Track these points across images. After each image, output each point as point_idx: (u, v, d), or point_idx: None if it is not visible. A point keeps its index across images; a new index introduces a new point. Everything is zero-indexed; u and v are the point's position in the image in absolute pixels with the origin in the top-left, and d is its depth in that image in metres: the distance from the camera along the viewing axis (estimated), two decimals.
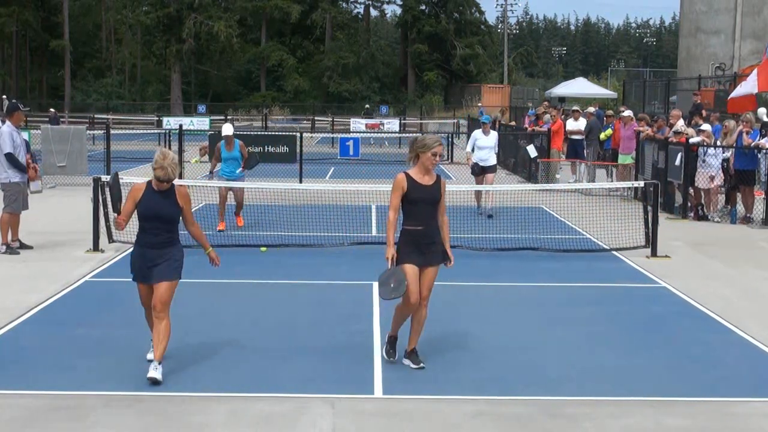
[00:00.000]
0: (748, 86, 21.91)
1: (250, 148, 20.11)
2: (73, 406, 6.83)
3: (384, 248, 7.81)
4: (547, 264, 12.82)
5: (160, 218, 7.42)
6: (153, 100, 74.08)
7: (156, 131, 38.06)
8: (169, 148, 23.78)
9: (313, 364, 7.94)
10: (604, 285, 11.58)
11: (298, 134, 25.44)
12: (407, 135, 38.31)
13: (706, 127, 18.38)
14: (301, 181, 22.01)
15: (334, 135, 35.47)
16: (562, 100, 51.35)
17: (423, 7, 79.20)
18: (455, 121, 50.19)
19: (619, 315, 10.00)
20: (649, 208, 13.52)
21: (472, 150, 17.60)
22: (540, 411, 6.87)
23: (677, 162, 17.63)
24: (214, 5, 74.29)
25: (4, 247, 13.02)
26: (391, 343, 8.02)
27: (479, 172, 17.48)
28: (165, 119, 44.90)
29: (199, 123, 44.83)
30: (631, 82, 46.35)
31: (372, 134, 39.49)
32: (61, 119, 44.47)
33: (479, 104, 58.36)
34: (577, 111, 24.76)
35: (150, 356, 7.73)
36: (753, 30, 39.87)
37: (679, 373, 7.89)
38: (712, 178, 17.19)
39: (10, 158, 12.96)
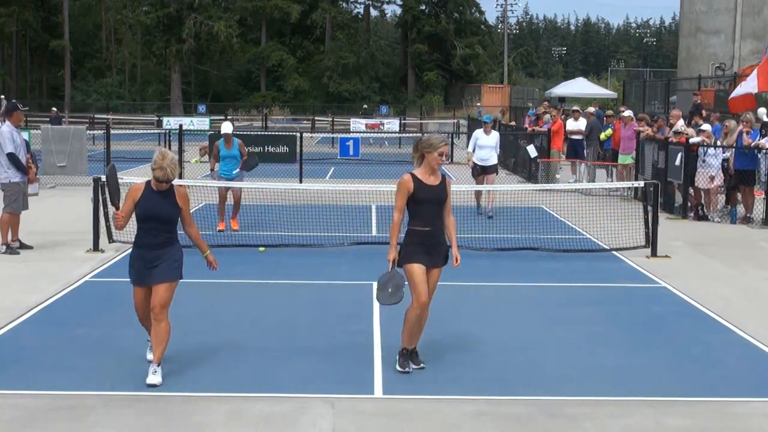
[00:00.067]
0: (748, 86, 21.92)
1: (250, 148, 20.15)
2: (73, 406, 6.83)
3: (385, 248, 7.81)
4: (547, 264, 12.82)
5: (159, 219, 7.36)
6: (153, 100, 74.09)
7: (156, 131, 38.06)
8: (169, 148, 23.79)
9: (313, 364, 7.94)
10: (604, 285, 11.58)
11: (298, 134, 25.43)
12: (407, 135, 38.36)
13: (706, 127, 18.39)
14: (301, 181, 22.01)
15: (334, 135, 35.47)
16: (562, 100, 51.34)
17: (423, 7, 79.19)
18: (455, 121, 50.18)
19: (619, 315, 10.00)
20: (649, 208, 13.52)
21: (473, 150, 17.58)
22: (540, 411, 6.87)
23: (677, 162, 17.64)
24: (214, 5, 74.29)
25: (4, 247, 13.02)
26: (404, 356, 7.72)
27: (479, 172, 17.46)
28: (165, 119, 44.90)
29: (199, 123, 44.83)
30: (631, 82, 46.35)
31: (371, 134, 39.49)
32: (62, 119, 44.44)
33: (478, 104, 58.35)
34: (577, 111, 24.75)
35: (150, 356, 7.73)
36: (753, 30, 39.87)
37: (679, 373, 7.89)
38: (712, 178, 17.19)
39: (12, 158, 12.96)
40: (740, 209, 17.42)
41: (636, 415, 6.82)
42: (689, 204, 17.64)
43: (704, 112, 23.01)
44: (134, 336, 8.44)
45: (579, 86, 60.63)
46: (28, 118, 40.55)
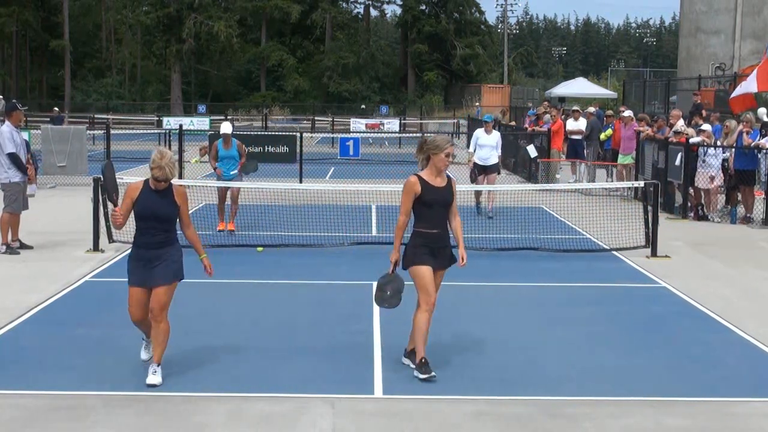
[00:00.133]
0: (748, 86, 21.94)
1: (250, 149, 20.11)
2: (73, 406, 6.83)
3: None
4: (547, 264, 12.82)
5: (158, 218, 7.31)
6: (153, 100, 74.06)
7: (156, 131, 38.06)
8: (169, 148, 23.78)
9: (313, 364, 7.94)
10: (604, 285, 11.58)
11: (298, 134, 25.42)
12: (407, 135, 38.36)
13: (706, 127, 18.39)
14: (301, 181, 22.01)
15: (334, 135, 35.46)
16: (562, 100, 51.33)
17: (423, 7, 79.15)
18: (455, 121, 50.18)
19: (619, 315, 10.01)
20: (649, 208, 13.52)
21: (474, 150, 17.55)
22: (540, 411, 6.87)
23: (677, 162, 17.64)
24: (214, 5, 74.27)
25: (4, 247, 13.02)
26: (422, 363, 7.49)
27: (479, 171, 17.43)
28: (165, 119, 44.87)
29: (199, 123, 44.80)
30: (631, 82, 46.35)
31: (371, 134, 39.49)
32: (64, 118, 44.42)
33: (477, 104, 58.31)
34: (577, 111, 24.75)
35: (143, 356, 7.73)
36: (753, 30, 39.87)
37: (679, 373, 7.89)
38: (712, 178, 17.19)
39: (14, 158, 12.96)
40: (740, 209, 17.42)
41: (636, 415, 6.82)
42: (689, 204, 17.64)
43: (704, 112, 23.02)
44: (134, 336, 8.43)
45: (579, 86, 60.63)
46: (28, 118, 40.54)
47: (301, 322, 9.46)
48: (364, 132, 39.29)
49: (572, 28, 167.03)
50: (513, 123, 33.59)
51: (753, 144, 17.26)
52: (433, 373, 7.46)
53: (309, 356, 8.19)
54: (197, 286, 10.61)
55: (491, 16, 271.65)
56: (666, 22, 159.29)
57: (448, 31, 76.74)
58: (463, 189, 16.62)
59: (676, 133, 18.37)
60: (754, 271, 12.57)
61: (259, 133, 35.24)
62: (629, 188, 19.90)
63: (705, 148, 17.36)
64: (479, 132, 17.75)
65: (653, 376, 7.78)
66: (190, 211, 7.74)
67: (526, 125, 27.94)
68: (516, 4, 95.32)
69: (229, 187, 15.17)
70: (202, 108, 62.03)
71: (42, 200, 18.33)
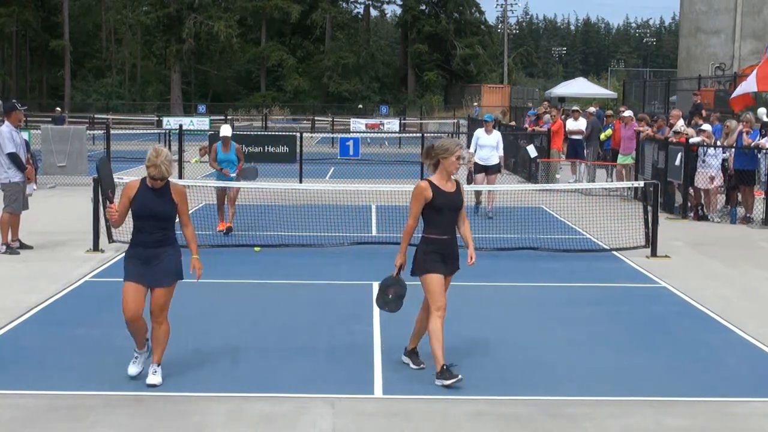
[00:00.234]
0: (748, 85, 21.95)
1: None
2: (73, 406, 6.83)
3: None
4: (547, 264, 12.82)
5: (156, 216, 7.23)
6: (153, 100, 74.08)
7: (156, 131, 38.08)
8: (169, 148, 23.77)
9: (313, 364, 7.94)
10: (604, 285, 11.58)
11: (298, 134, 25.42)
12: (407, 135, 38.35)
13: (706, 127, 18.39)
14: (301, 181, 22.01)
15: (334, 135, 35.46)
16: (562, 100, 51.32)
17: (423, 7, 79.14)
18: (455, 121, 50.17)
19: (619, 315, 10.01)
20: (649, 208, 13.52)
21: (475, 150, 17.53)
22: (540, 411, 6.87)
23: (677, 162, 17.64)
24: (214, 5, 74.27)
25: (4, 247, 13.02)
26: (444, 370, 7.31)
27: (479, 171, 17.41)
28: (165, 119, 44.90)
29: (199, 123, 44.83)
30: (631, 82, 46.35)
31: (371, 134, 39.48)
32: (65, 118, 44.39)
33: (476, 104, 58.29)
34: (577, 111, 24.75)
35: (131, 370, 7.44)
36: (753, 30, 39.86)
37: (679, 373, 7.89)
38: (712, 179, 17.19)
39: (13, 158, 12.96)
40: (740, 209, 17.42)
41: (636, 415, 6.83)
42: (689, 204, 17.64)
43: (704, 112, 23.02)
44: None
45: (579, 86, 60.61)
46: (28, 118, 40.54)
47: (301, 322, 9.46)
48: (364, 132, 39.29)
49: (572, 28, 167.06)
50: (513, 123, 33.57)
51: (753, 144, 17.26)
52: (459, 376, 7.26)
53: (309, 356, 8.19)
54: (197, 286, 10.55)
55: (491, 16, 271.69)
56: (666, 22, 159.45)
57: (448, 31, 76.72)
58: (464, 189, 16.63)
59: (676, 133, 18.37)
60: (754, 271, 12.57)
61: (259, 133, 35.23)
62: (629, 188, 19.90)
63: (705, 148, 17.37)
64: (479, 132, 17.73)
65: (653, 376, 7.78)
66: (190, 212, 7.72)
67: (526, 125, 27.94)
68: (516, 4, 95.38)
69: (226, 191, 15.12)
70: (202, 108, 62.03)
71: (42, 200, 18.33)
